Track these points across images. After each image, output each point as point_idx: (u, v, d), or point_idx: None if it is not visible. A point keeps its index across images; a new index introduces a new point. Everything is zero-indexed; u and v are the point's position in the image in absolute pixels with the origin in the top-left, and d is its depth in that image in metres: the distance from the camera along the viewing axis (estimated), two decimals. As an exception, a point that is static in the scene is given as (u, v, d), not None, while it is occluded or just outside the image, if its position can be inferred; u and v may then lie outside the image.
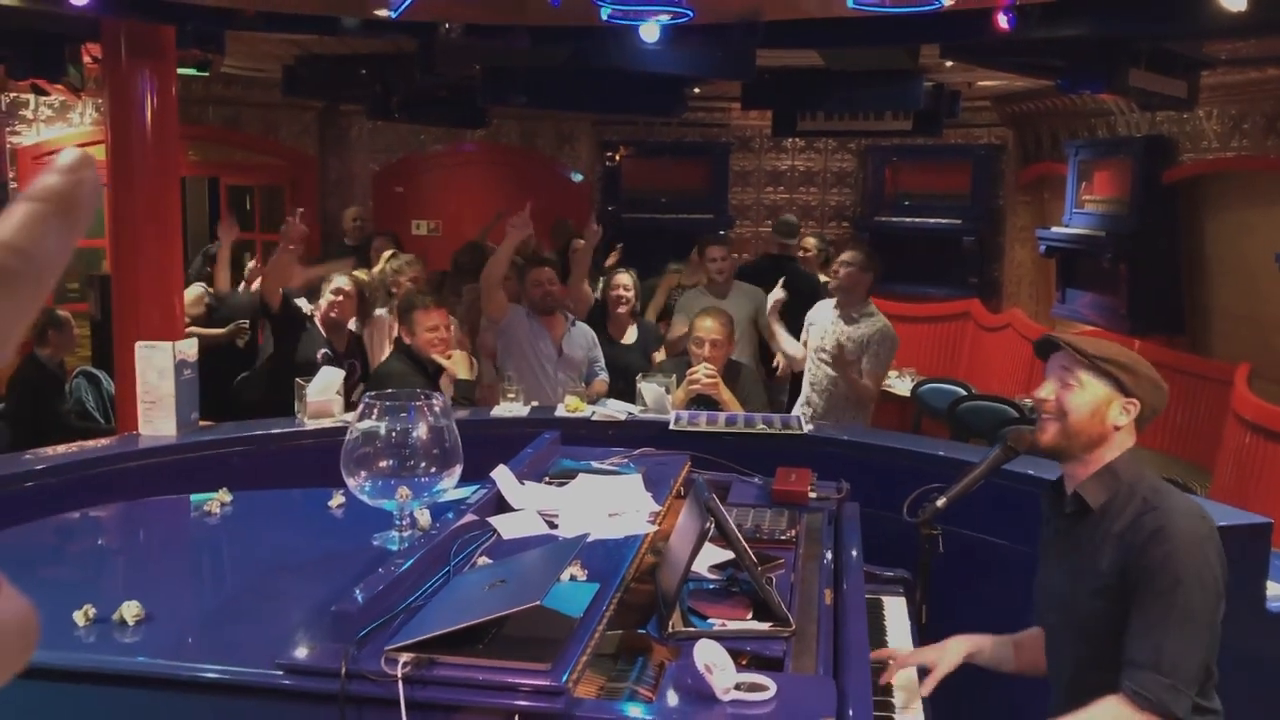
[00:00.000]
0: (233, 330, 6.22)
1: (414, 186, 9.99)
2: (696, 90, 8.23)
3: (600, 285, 5.97)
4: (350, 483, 2.30)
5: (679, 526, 2.27)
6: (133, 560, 2.72)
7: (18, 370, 5.74)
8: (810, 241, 7.57)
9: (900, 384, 7.23)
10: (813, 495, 2.92)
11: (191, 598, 2.41)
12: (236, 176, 9.39)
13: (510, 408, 4.15)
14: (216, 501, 2.77)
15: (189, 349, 3.60)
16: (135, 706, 1.88)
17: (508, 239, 4.88)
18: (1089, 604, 2.09)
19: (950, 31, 5.12)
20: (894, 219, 9.87)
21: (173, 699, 1.86)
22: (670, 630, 2.02)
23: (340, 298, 4.87)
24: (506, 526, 2.44)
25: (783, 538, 2.61)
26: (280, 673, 1.79)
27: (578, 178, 10.35)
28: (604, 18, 4.66)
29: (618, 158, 10.24)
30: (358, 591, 1.91)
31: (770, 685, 1.80)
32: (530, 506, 2.57)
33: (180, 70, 5.67)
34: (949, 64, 6.52)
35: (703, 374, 4.29)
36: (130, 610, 1.99)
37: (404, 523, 2.35)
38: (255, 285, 6.21)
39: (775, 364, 5.67)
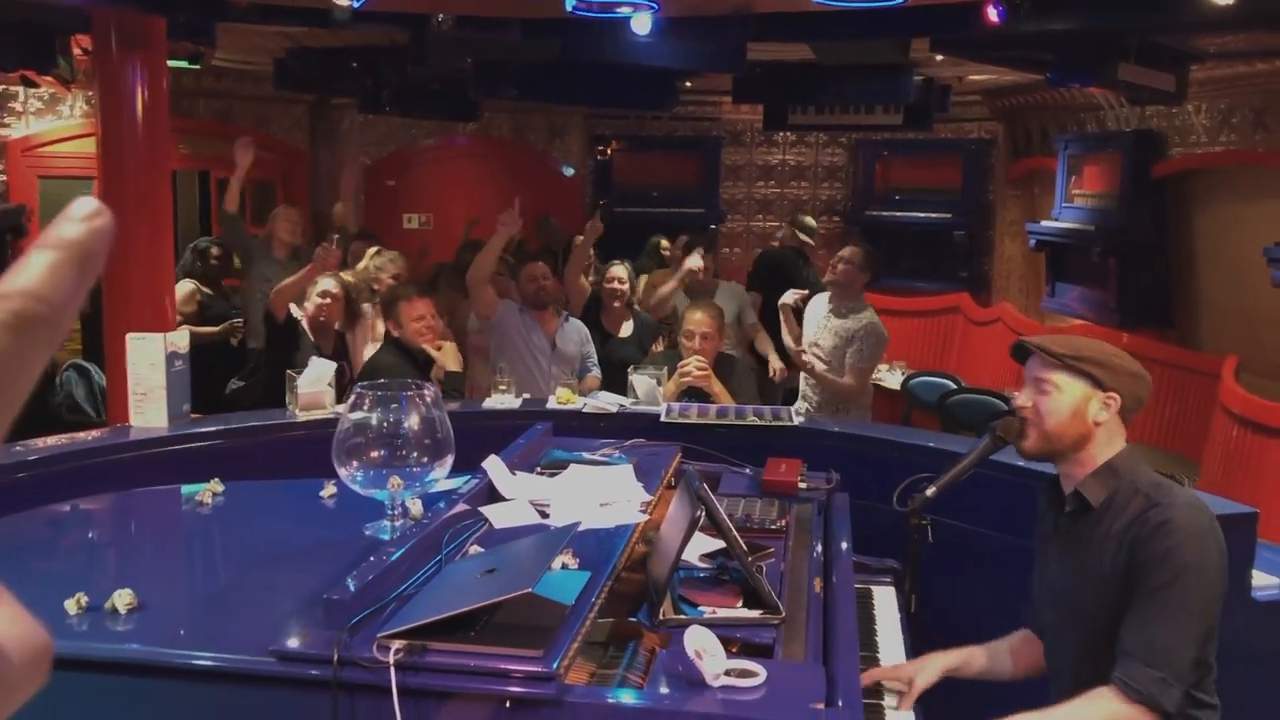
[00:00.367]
0: (227, 329, 6.19)
1: (406, 180, 9.98)
2: (688, 84, 8.23)
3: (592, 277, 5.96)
4: (342, 473, 2.31)
5: (670, 515, 2.28)
6: (124, 550, 2.71)
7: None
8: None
9: (891, 377, 7.27)
10: (802, 485, 2.93)
11: (184, 587, 2.41)
12: (227, 170, 9.31)
13: (502, 399, 4.16)
14: (208, 492, 2.77)
15: (180, 340, 3.60)
16: (128, 694, 1.88)
17: (496, 235, 4.87)
18: (1096, 600, 2.07)
19: (941, 25, 5.15)
20: (884, 213, 9.90)
21: (166, 686, 1.86)
22: (661, 618, 2.03)
23: (327, 300, 4.83)
24: (498, 516, 2.45)
25: (773, 527, 2.62)
26: (273, 660, 1.79)
27: (569, 171, 10.35)
28: (568, 9, 4.64)
29: (609, 151, 10.24)
30: (350, 580, 1.92)
31: (760, 671, 1.82)
32: (522, 496, 2.58)
33: (171, 63, 5.63)
34: (939, 58, 6.54)
35: (693, 366, 4.31)
36: (122, 599, 1.99)
37: (396, 512, 2.36)
38: (281, 236, 6.17)
39: (771, 372, 5.70)
